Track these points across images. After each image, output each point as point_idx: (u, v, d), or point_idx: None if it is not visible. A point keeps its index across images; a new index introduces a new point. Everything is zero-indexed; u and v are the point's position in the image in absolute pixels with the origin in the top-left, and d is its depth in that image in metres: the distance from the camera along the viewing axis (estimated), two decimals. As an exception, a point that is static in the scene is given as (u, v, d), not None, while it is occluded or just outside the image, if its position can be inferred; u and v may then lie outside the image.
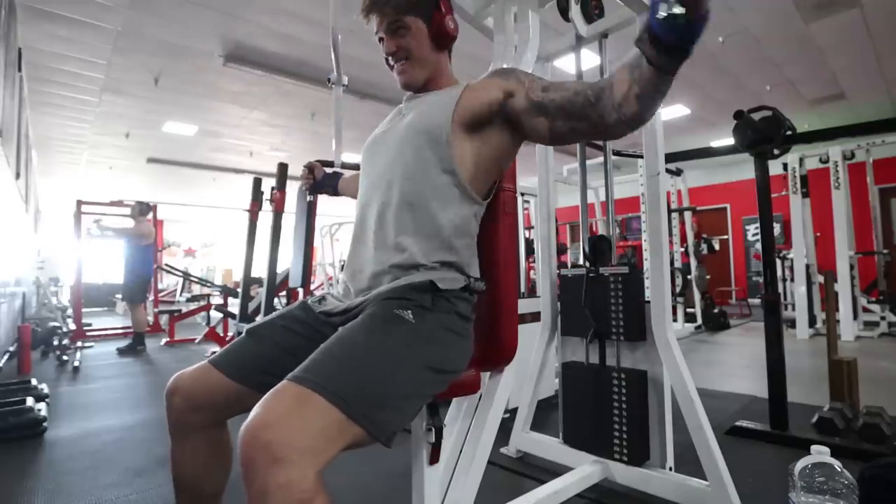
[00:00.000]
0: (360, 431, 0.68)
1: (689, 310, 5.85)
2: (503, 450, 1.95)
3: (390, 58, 1.00)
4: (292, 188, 1.56)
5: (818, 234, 5.43)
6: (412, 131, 0.96)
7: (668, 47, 0.65)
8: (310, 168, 1.40)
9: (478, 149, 0.94)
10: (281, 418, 0.62)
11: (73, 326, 5.14)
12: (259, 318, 1.02)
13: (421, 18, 0.98)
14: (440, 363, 0.83)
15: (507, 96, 0.91)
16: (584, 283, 1.71)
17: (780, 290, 5.69)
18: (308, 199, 1.61)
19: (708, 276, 5.88)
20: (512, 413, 2.00)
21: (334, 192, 1.39)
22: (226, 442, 0.94)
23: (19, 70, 3.97)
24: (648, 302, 1.60)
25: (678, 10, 0.60)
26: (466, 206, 0.95)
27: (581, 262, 1.74)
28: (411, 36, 0.98)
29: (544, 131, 0.89)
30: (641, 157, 2.58)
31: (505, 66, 1.40)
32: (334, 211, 9.33)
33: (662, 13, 0.61)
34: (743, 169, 8.71)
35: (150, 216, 6.00)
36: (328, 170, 1.44)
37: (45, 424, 2.31)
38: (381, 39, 1.01)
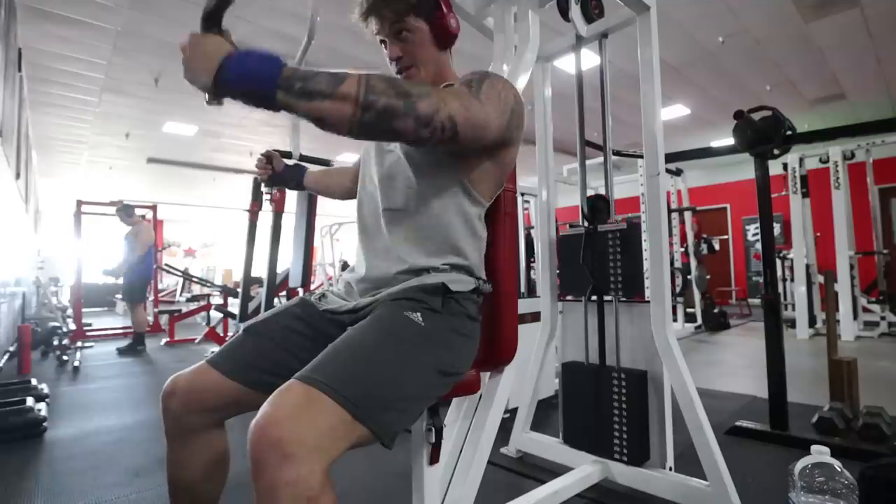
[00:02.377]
0: (366, 432, 0.68)
1: (689, 310, 5.85)
2: (503, 450, 1.95)
3: (394, 63, 0.99)
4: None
5: (818, 234, 5.43)
6: None
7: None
8: (268, 157, 1.25)
9: (478, 154, 0.93)
10: (290, 416, 0.62)
11: (73, 326, 5.13)
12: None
13: (422, 19, 0.96)
14: (448, 366, 0.83)
15: None
16: (582, 241, 1.73)
17: (780, 290, 5.69)
18: (265, 191, 1.52)
19: (708, 276, 5.88)
20: (512, 413, 2.00)
21: (297, 186, 1.29)
22: (224, 445, 0.93)
23: (19, 70, 3.97)
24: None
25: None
26: (470, 207, 0.94)
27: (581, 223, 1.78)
28: (414, 38, 0.96)
29: None
30: (641, 157, 2.58)
31: (505, 67, 1.40)
32: (334, 211, 9.32)
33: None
34: (743, 169, 8.71)
35: (150, 215, 5.99)
36: (289, 162, 1.35)
37: (45, 424, 2.31)
38: (382, 42, 0.99)
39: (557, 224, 1.98)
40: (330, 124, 0.71)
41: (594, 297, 1.75)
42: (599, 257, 1.72)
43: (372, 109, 0.70)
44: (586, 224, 1.77)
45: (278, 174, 1.27)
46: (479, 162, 0.93)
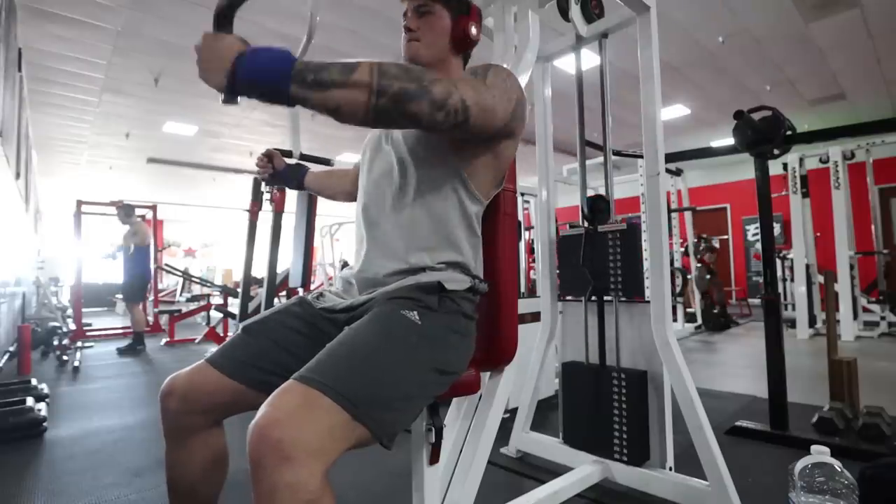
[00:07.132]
0: (365, 432, 0.68)
1: (689, 310, 5.86)
2: (503, 450, 1.95)
3: (407, 32, 1.00)
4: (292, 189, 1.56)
5: (818, 234, 5.43)
6: (416, 130, 0.94)
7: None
8: (269, 156, 1.25)
9: (480, 147, 0.93)
10: (290, 417, 0.62)
11: (73, 326, 5.14)
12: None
13: (448, 11, 0.99)
14: (445, 364, 0.83)
15: None
16: (582, 242, 1.73)
17: (780, 290, 5.69)
18: (265, 190, 1.53)
19: (708, 277, 5.88)
20: (512, 413, 2.00)
21: (298, 186, 1.29)
22: (222, 444, 0.93)
23: (19, 70, 3.96)
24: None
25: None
26: (469, 204, 0.95)
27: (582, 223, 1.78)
28: (433, 23, 0.99)
29: None
30: (641, 157, 2.58)
31: (505, 65, 1.40)
32: (334, 211, 9.33)
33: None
34: (743, 169, 8.71)
35: (150, 215, 5.98)
36: (290, 160, 1.35)
37: (45, 424, 2.31)
38: (405, 14, 1.01)
39: (557, 224, 1.98)
40: (345, 113, 0.71)
41: (594, 298, 1.75)
42: (599, 258, 1.72)
43: (386, 94, 0.71)
44: (586, 224, 1.77)
45: (279, 173, 1.27)
46: (479, 154, 0.93)
